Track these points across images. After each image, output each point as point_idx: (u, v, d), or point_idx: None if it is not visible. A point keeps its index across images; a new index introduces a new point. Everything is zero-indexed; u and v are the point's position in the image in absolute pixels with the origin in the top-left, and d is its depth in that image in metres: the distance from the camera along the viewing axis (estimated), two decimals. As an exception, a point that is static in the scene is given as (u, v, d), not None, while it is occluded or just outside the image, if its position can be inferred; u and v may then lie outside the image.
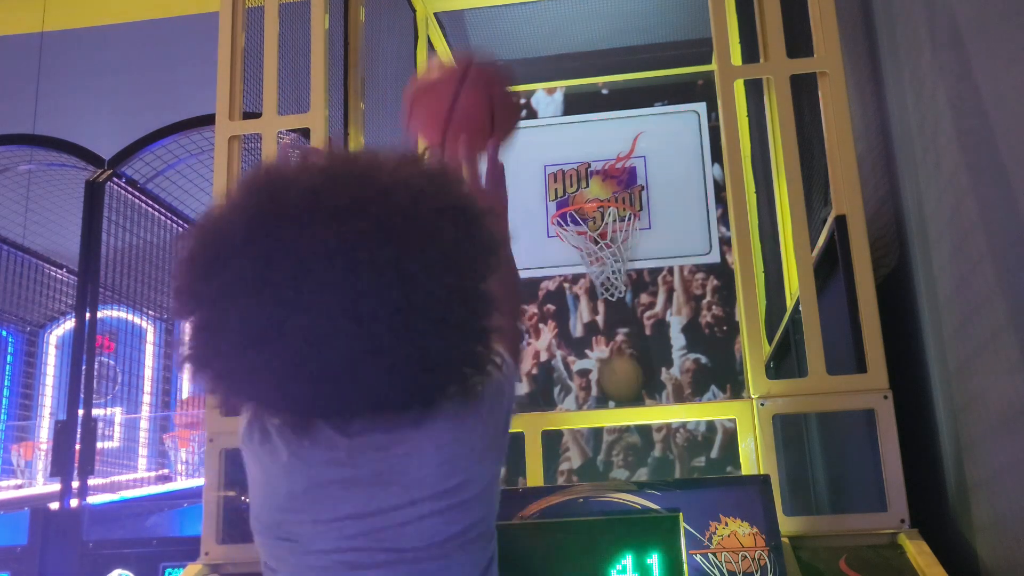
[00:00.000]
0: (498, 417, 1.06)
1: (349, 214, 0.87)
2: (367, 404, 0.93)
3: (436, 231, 0.90)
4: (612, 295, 4.41)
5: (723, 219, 4.39)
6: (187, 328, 0.92)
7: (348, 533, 0.97)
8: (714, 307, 4.38)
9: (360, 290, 0.86)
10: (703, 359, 4.34)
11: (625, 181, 4.55)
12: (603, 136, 4.63)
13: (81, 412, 3.56)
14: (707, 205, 4.46)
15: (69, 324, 6.08)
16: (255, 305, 0.86)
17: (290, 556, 1.00)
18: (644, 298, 4.45)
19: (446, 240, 0.91)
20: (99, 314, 3.76)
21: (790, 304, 2.91)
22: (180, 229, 4.64)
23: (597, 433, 4.29)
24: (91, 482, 3.58)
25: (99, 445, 3.62)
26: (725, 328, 4.35)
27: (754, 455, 2.15)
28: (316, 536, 0.97)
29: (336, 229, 0.86)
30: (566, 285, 4.50)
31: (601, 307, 4.47)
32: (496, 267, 0.98)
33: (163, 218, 4.44)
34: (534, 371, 4.46)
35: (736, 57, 3.09)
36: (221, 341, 0.89)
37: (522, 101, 4.74)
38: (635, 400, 4.31)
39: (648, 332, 4.41)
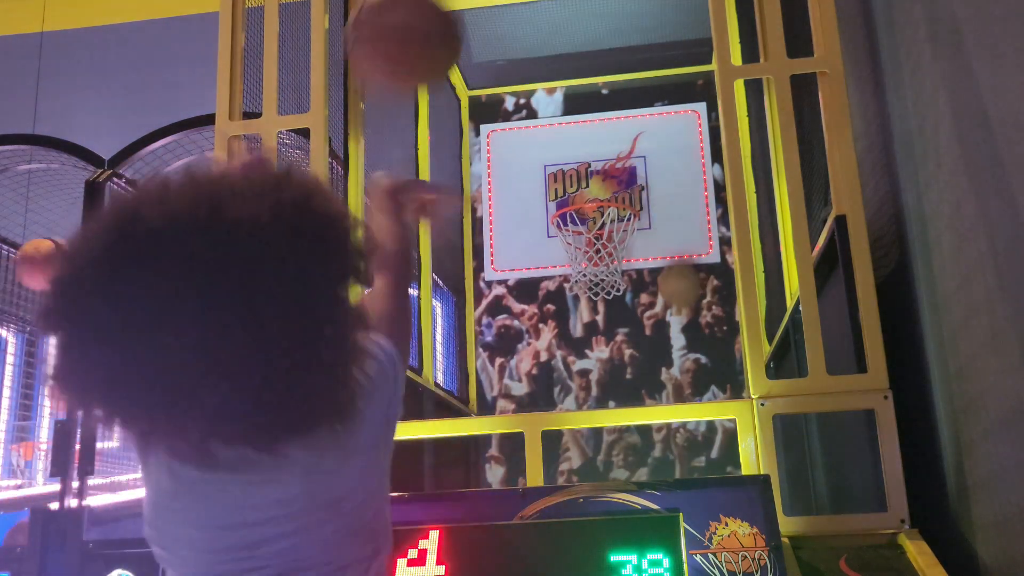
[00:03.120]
0: (377, 419, 1.07)
1: (195, 257, 0.88)
2: (231, 433, 0.93)
3: (281, 262, 0.90)
4: (608, 294, 4.41)
5: (723, 219, 4.38)
6: (54, 357, 0.92)
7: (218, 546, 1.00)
8: (714, 307, 4.38)
9: (207, 328, 0.87)
10: (703, 359, 4.33)
11: (625, 181, 4.55)
12: (603, 136, 4.63)
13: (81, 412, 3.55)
14: (707, 205, 4.46)
15: (69, 324, 6.07)
16: (111, 343, 0.88)
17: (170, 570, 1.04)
18: (644, 298, 4.45)
19: (293, 269, 0.90)
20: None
21: (790, 304, 2.91)
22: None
23: (597, 433, 4.29)
24: (91, 482, 3.57)
25: (99, 445, 3.61)
26: (725, 328, 4.35)
27: (754, 455, 2.15)
28: (189, 552, 1.01)
29: (178, 273, 0.87)
30: (566, 285, 4.50)
31: (601, 307, 4.47)
32: (362, 278, 0.98)
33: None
34: (534, 371, 4.46)
35: (736, 57, 3.09)
36: (86, 377, 0.90)
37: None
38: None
39: (648, 332, 4.41)
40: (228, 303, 0.87)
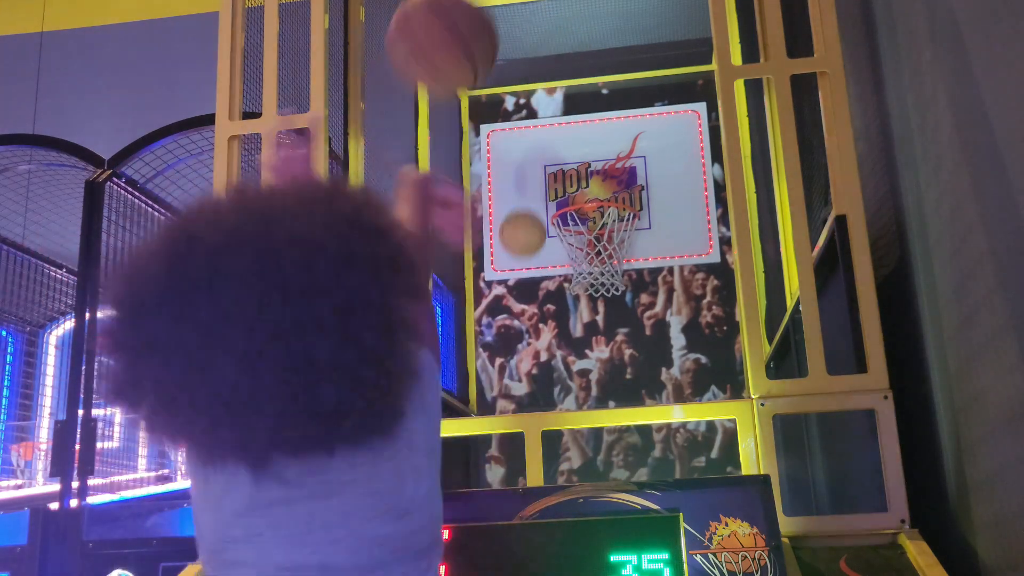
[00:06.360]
0: (428, 428, 1.08)
1: (251, 275, 0.89)
2: (280, 446, 0.94)
3: (335, 285, 0.91)
4: (608, 292, 4.41)
5: (723, 219, 4.38)
6: (113, 379, 0.94)
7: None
8: (714, 307, 4.38)
9: (256, 350, 0.88)
10: (703, 359, 4.33)
11: (625, 181, 4.55)
12: (603, 136, 4.63)
13: (81, 412, 3.55)
14: (707, 205, 4.46)
15: (69, 324, 6.07)
16: (166, 365, 0.89)
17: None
18: (644, 298, 4.45)
19: (348, 292, 0.91)
20: (99, 314, 3.76)
21: (790, 304, 2.91)
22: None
23: (597, 433, 4.29)
24: (91, 482, 3.57)
25: (99, 445, 3.61)
26: (725, 328, 4.34)
27: (754, 455, 2.15)
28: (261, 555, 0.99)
29: (234, 294, 0.88)
30: (566, 285, 4.50)
31: (601, 307, 4.47)
32: (421, 297, 0.99)
33: (163, 218, 4.43)
34: (534, 371, 4.46)
35: (736, 57, 3.09)
36: (145, 394, 0.92)
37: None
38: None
39: (648, 332, 4.41)
40: (279, 319, 0.88)
